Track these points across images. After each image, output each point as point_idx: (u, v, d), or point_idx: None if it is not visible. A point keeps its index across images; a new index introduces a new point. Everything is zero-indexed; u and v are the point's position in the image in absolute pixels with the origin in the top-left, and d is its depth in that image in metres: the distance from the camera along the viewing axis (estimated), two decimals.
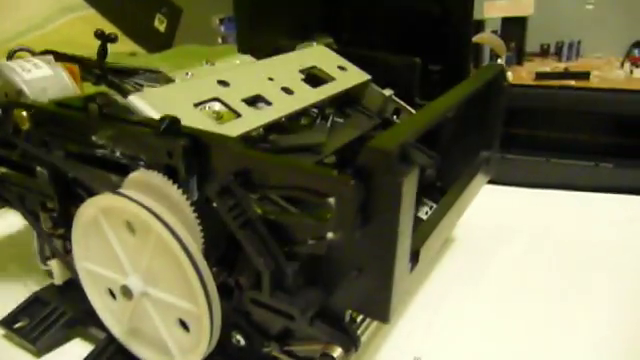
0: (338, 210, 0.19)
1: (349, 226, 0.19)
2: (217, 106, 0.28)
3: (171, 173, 0.22)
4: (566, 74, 0.65)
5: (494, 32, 0.74)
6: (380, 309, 0.21)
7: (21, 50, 0.35)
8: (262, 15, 0.62)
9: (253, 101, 0.29)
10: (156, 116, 0.24)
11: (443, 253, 0.37)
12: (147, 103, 0.25)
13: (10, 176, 0.32)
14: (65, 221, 0.30)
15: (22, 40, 1.33)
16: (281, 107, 0.29)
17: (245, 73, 0.31)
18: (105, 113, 0.24)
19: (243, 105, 0.28)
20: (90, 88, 0.36)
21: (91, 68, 0.39)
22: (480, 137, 0.34)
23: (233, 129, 0.26)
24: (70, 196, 0.29)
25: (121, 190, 0.23)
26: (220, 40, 1.50)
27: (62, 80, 0.31)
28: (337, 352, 0.22)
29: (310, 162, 0.29)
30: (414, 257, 0.23)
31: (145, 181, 0.23)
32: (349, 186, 0.19)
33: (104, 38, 0.40)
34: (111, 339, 0.28)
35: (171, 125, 0.22)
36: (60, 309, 0.31)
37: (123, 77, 0.39)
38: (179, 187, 0.22)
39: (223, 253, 0.23)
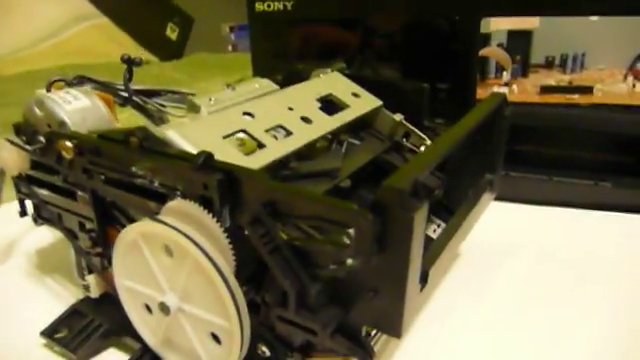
0: (357, 239, 0.22)
1: (366, 253, 0.22)
2: (241, 134, 0.31)
3: (206, 203, 0.25)
4: (570, 88, 0.67)
5: (500, 45, 0.76)
6: (393, 325, 0.24)
7: (58, 80, 0.38)
8: (276, 43, 0.65)
9: (275, 130, 0.32)
10: (191, 150, 0.27)
11: (449, 267, 0.40)
12: (183, 137, 0.28)
13: (51, 198, 0.34)
14: (103, 241, 0.32)
15: (37, 48, 1.37)
16: (301, 136, 0.32)
17: (267, 103, 0.34)
18: (144, 146, 0.27)
19: (267, 136, 0.31)
20: (121, 113, 0.39)
21: (118, 91, 0.41)
22: (484, 161, 0.36)
23: (259, 160, 0.28)
24: (108, 218, 0.32)
25: (161, 217, 0.26)
26: (230, 48, 1.54)
27: (99, 110, 0.34)
28: None
29: (328, 187, 0.32)
30: (424, 277, 0.26)
31: (182, 210, 0.25)
32: (367, 219, 0.21)
33: (130, 62, 0.42)
34: (146, 349, 0.31)
35: (207, 161, 0.25)
36: (97, 321, 0.34)
37: (147, 98, 0.42)
38: (213, 216, 0.25)
39: (251, 273, 0.26)
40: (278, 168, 0.31)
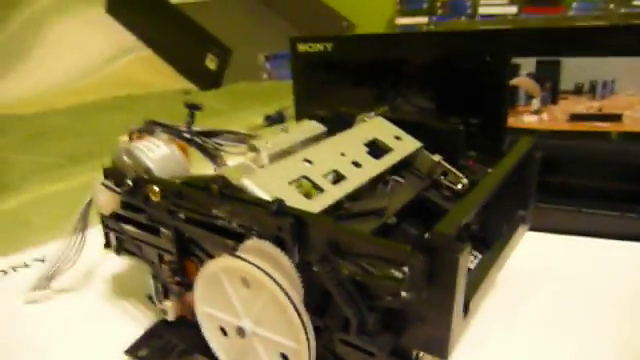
0: (410, 275, 0.26)
1: (418, 288, 0.26)
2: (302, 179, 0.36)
3: (279, 242, 0.30)
4: (599, 116, 0.69)
5: (529, 74, 0.80)
6: (440, 349, 0.28)
7: (136, 130, 0.43)
8: (317, 81, 0.70)
9: (331, 175, 0.36)
10: (263, 195, 0.32)
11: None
12: (256, 184, 0.32)
13: (135, 233, 0.40)
14: (181, 271, 0.37)
15: (86, 80, 1.46)
16: (353, 179, 0.36)
17: (322, 150, 0.39)
18: (224, 193, 0.32)
19: (324, 180, 0.35)
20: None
21: (181, 132, 0.46)
22: (517, 198, 0.40)
23: (320, 203, 0.33)
24: (186, 252, 0.37)
25: (239, 254, 0.31)
26: (265, 76, 1.61)
27: (177, 157, 0.39)
28: None
29: (377, 224, 0.36)
30: (466, 307, 0.30)
31: (259, 248, 0.30)
32: (419, 259, 0.25)
33: (192, 107, 0.48)
34: None
35: (280, 207, 0.29)
36: (173, 341, 0.39)
37: (207, 137, 0.47)
38: (285, 253, 0.29)
39: (316, 303, 0.30)
40: (334, 209, 0.35)
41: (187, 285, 0.38)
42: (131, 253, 0.42)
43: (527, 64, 0.81)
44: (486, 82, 0.61)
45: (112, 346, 0.40)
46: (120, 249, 0.42)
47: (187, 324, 0.39)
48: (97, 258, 0.52)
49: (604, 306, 0.42)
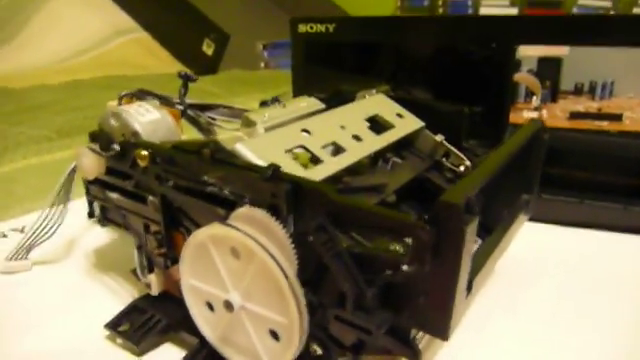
0: (413, 248, 0.24)
1: (422, 262, 0.24)
2: (299, 149, 0.34)
3: (273, 210, 0.28)
4: (599, 115, 0.68)
5: (530, 71, 0.78)
6: (441, 329, 0.26)
7: (126, 95, 0.41)
8: (317, 63, 0.68)
9: (330, 147, 0.35)
10: (258, 162, 0.30)
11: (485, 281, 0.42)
12: (251, 151, 0.30)
13: (121, 202, 0.38)
14: (167, 243, 0.35)
15: (81, 59, 1.43)
16: (353, 153, 0.35)
17: (321, 122, 0.37)
18: (216, 158, 0.30)
19: (323, 151, 0.33)
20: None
21: (174, 104, 0.44)
22: (521, 182, 0.39)
23: (317, 173, 0.31)
24: (174, 222, 0.35)
25: (230, 222, 0.29)
26: (263, 65, 1.59)
27: (168, 122, 0.37)
28: None
29: (376, 201, 0.34)
30: (469, 286, 0.28)
31: (251, 216, 0.28)
32: (425, 231, 0.24)
33: (186, 78, 0.46)
34: (203, 344, 0.33)
35: (275, 172, 0.27)
36: (157, 316, 0.37)
37: (200, 111, 0.45)
38: (280, 222, 0.27)
39: (310, 276, 0.28)
40: (332, 182, 0.33)
41: (173, 258, 0.36)
42: (115, 223, 0.40)
43: (529, 61, 0.80)
44: (491, 70, 0.60)
45: (91, 320, 0.38)
46: (104, 219, 0.40)
47: (172, 299, 0.37)
48: (80, 230, 0.50)
49: (605, 296, 0.41)
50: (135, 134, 0.35)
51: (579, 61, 0.78)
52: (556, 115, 0.71)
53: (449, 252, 0.24)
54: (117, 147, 0.35)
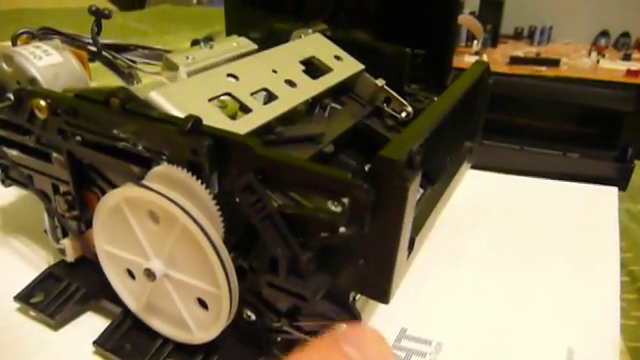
0: (351, 208, 0.22)
1: (360, 222, 0.22)
2: (225, 97, 0.30)
3: (194, 168, 0.24)
4: (539, 60, 0.68)
5: (472, 14, 0.76)
6: (382, 292, 0.24)
7: (24, 33, 0.35)
8: (252, 14, 0.62)
9: (260, 94, 0.31)
10: (177, 113, 0.26)
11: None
12: (167, 99, 0.27)
13: (22, 159, 0.33)
14: (80, 204, 0.31)
15: None
16: (286, 100, 0.31)
17: (250, 65, 0.33)
18: (127, 108, 0.26)
19: (252, 99, 0.30)
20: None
21: (86, 45, 0.39)
22: (464, 128, 0.37)
23: (246, 124, 0.28)
24: (85, 181, 0.31)
25: (146, 182, 0.25)
26: (195, 1, 1.48)
27: (72, 67, 0.32)
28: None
29: (312, 152, 0.32)
30: (410, 245, 0.26)
31: (169, 175, 0.25)
32: (363, 190, 0.21)
33: (98, 14, 0.40)
34: (127, 313, 0.31)
35: (195, 125, 0.24)
36: (74, 285, 0.33)
37: (117, 53, 0.40)
38: (202, 182, 0.24)
39: (239, 240, 0.26)
40: (263, 132, 0.30)
41: (88, 221, 0.32)
42: (20, 183, 0.35)
43: (471, 3, 0.77)
44: (435, 11, 0.57)
45: (1, 292, 0.34)
46: (6, 178, 0.36)
47: (91, 265, 0.33)
48: None
49: (543, 243, 0.41)
50: (32, 81, 0.30)
51: (520, 5, 0.77)
52: (496, 60, 0.70)
53: (390, 212, 0.22)
54: (11, 96, 0.30)
